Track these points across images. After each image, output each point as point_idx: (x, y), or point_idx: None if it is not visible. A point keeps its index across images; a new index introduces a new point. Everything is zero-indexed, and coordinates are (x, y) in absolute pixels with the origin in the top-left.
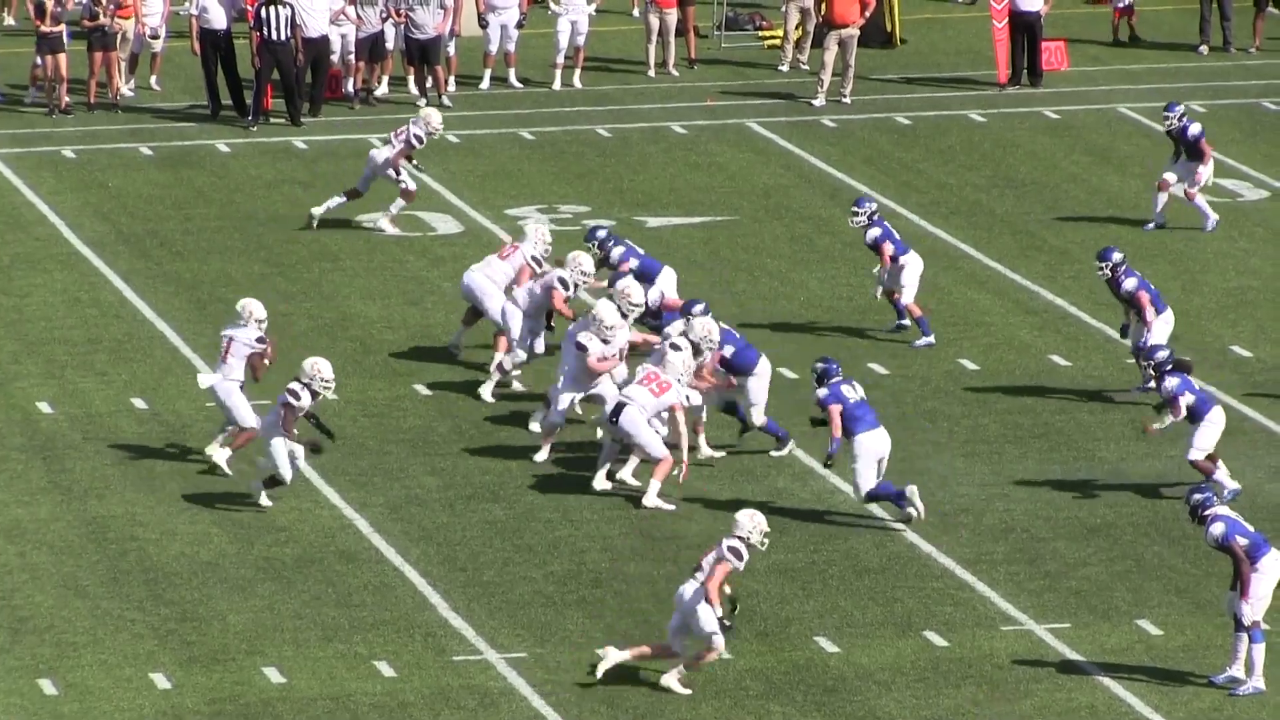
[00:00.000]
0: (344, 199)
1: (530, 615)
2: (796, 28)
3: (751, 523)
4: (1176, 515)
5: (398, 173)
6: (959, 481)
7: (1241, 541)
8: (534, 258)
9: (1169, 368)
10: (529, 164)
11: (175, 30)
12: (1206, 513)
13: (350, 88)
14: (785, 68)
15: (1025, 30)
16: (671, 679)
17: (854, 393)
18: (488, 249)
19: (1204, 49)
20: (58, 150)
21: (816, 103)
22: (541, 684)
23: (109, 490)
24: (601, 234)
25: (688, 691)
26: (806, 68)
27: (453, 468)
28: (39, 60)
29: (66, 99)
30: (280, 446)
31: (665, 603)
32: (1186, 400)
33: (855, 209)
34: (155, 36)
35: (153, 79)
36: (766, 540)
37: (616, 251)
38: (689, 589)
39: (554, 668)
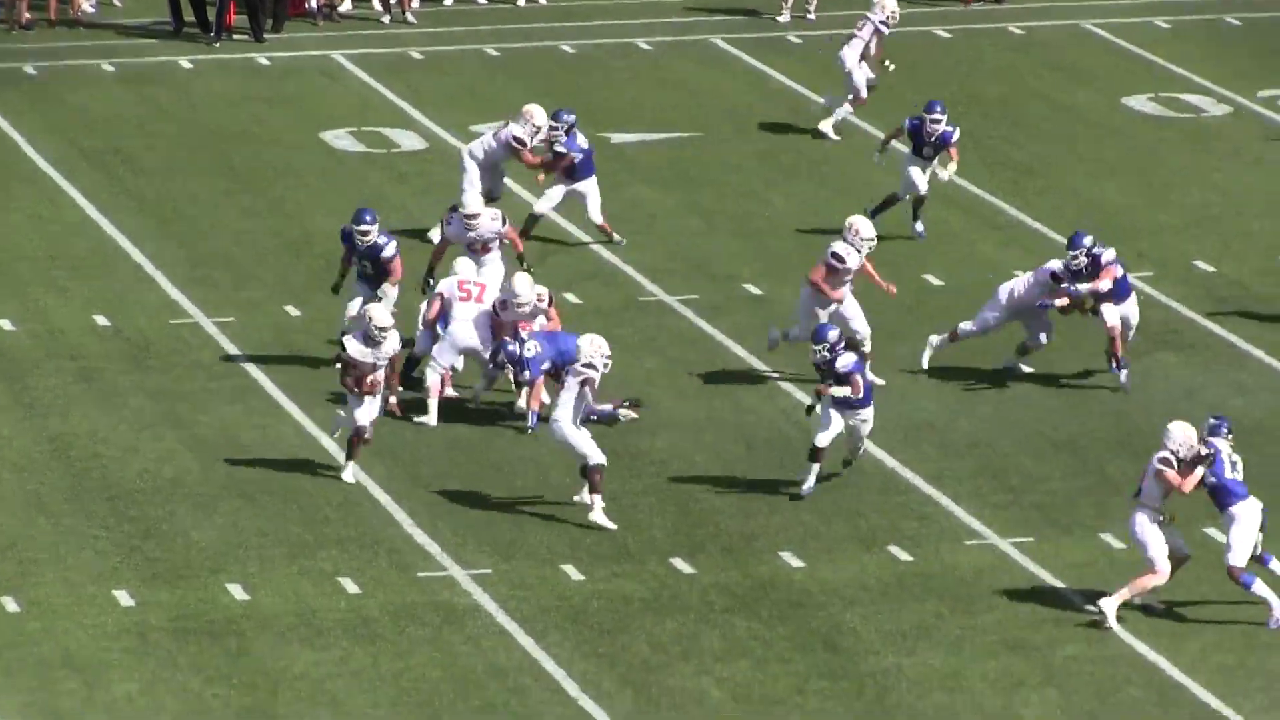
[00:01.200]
0: (848, 106)
1: (494, 531)
2: None
3: (1183, 435)
4: (1140, 430)
5: (874, 70)
6: (924, 397)
7: (1211, 480)
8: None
9: (841, 346)
10: (494, 80)
11: None
12: (1210, 437)
13: (314, 4)
14: None
15: None
16: (1111, 604)
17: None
18: (453, 165)
19: None
20: (19, 67)
21: (781, 19)
22: (506, 600)
23: (72, 408)
24: (571, 117)
25: (1113, 626)
26: None
27: (417, 384)
28: None
29: (28, 15)
30: (580, 436)
31: (629, 517)
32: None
33: (938, 112)
34: None
35: None
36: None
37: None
38: (1135, 519)
39: (518, 583)
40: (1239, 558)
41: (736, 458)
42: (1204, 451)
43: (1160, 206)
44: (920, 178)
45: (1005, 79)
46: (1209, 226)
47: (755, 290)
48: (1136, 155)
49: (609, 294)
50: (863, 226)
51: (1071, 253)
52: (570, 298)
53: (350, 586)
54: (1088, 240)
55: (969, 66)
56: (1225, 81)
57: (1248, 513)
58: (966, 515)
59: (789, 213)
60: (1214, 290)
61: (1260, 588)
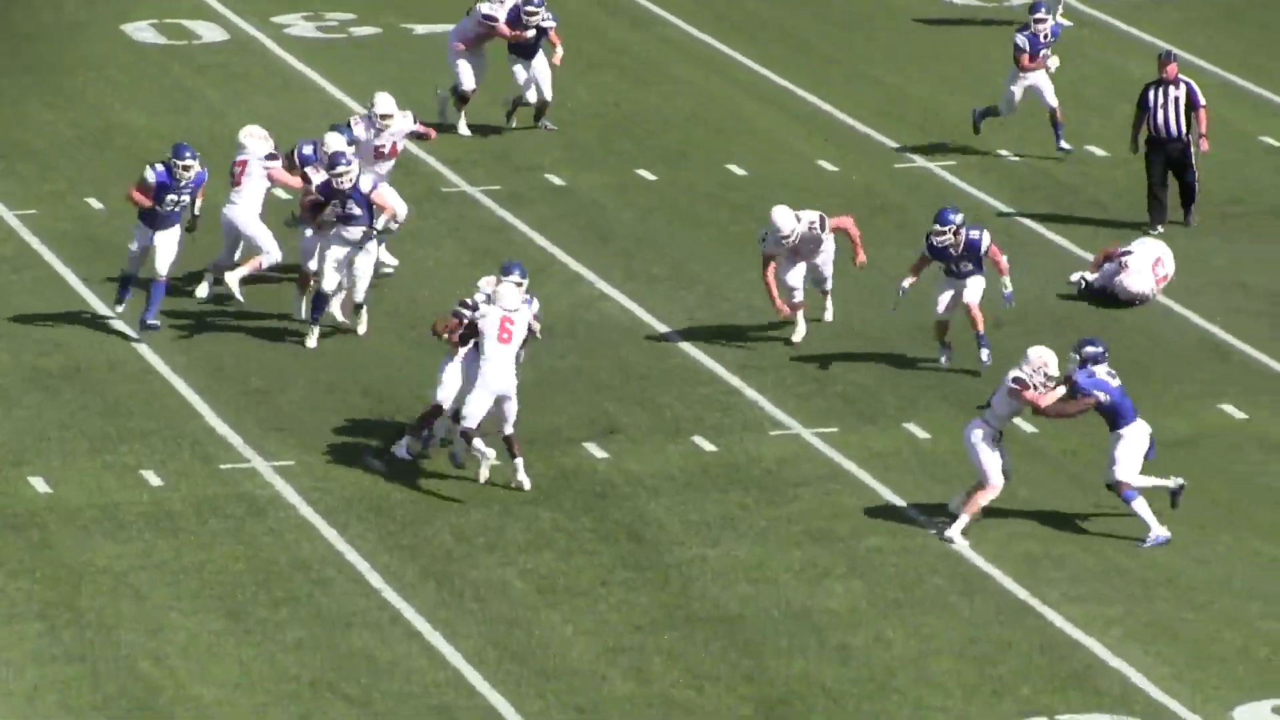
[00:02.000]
0: None
1: (298, 423)
2: None
3: (1039, 358)
4: (945, 321)
5: None
6: (730, 287)
7: (1102, 397)
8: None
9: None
10: None
11: None
12: (1089, 364)
13: None
14: None
15: None
16: (956, 531)
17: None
18: (254, 57)
19: None
20: None
21: None
22: (309, 491)
23: None
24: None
25: (966, 542)
26: None
27: (222, 276)
28: None
29: None
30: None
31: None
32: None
33: (1043, 11)
34: None
35: None
36: (1049, 383)
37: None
38: (972, 431)
39: (322, 475)
40: (1124, 472)
41: (537, 347)
42: (1070, 376)
43: (963, 96)
44: (1036, 89)
45: None
46: (1011, 115)
47: (557, 180)
48: (939, 45)
49: (411, 184)
50: (779, 221)
51: (938, 227)
52: None
53: (153, 479)
54: (955, 217)
55: None
56: None
57: (1135, 434)
58: (771, 405)
59: (591, 103)
60: (1018, 181)
61: (1140, 506)
